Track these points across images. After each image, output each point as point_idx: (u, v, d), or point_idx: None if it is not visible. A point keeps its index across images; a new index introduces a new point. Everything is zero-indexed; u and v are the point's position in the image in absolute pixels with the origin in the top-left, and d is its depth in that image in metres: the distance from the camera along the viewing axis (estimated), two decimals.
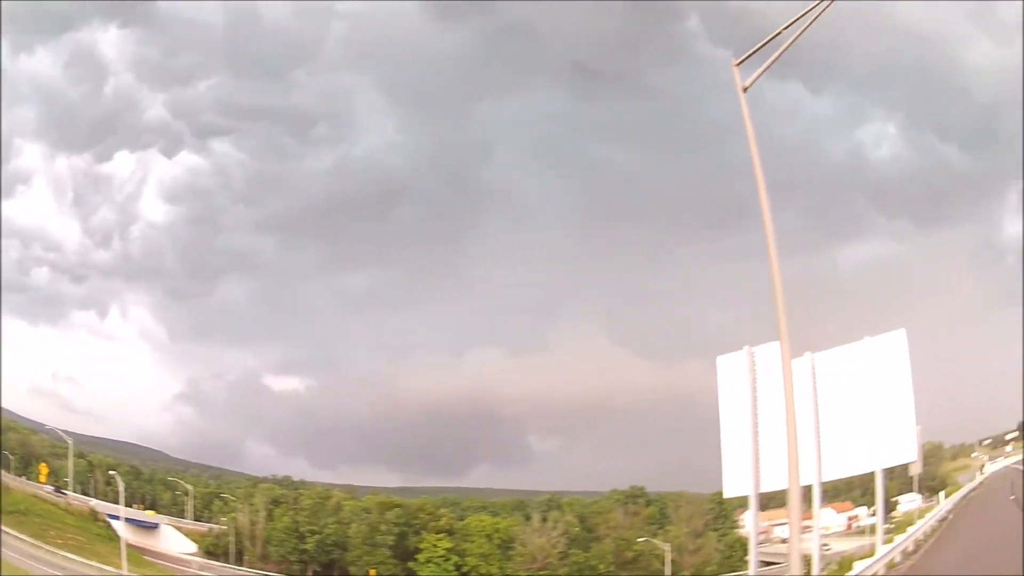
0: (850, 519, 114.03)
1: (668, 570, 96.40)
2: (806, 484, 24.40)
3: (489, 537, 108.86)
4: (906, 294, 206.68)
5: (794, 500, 18.13)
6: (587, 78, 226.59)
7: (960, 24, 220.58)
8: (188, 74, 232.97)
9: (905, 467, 44.58)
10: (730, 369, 25.28)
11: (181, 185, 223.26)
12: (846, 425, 23.96)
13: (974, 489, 77.34)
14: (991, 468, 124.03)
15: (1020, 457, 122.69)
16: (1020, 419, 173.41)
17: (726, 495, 27.95)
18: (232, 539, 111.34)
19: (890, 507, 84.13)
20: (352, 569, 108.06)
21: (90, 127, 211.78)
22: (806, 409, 23.40)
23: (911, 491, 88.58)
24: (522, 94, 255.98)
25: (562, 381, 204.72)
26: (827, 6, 17.73)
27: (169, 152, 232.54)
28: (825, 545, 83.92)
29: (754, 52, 17.44)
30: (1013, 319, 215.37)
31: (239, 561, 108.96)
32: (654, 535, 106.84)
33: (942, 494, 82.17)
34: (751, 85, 16.93)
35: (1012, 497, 45.32)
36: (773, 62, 17.29)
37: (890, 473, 48.78)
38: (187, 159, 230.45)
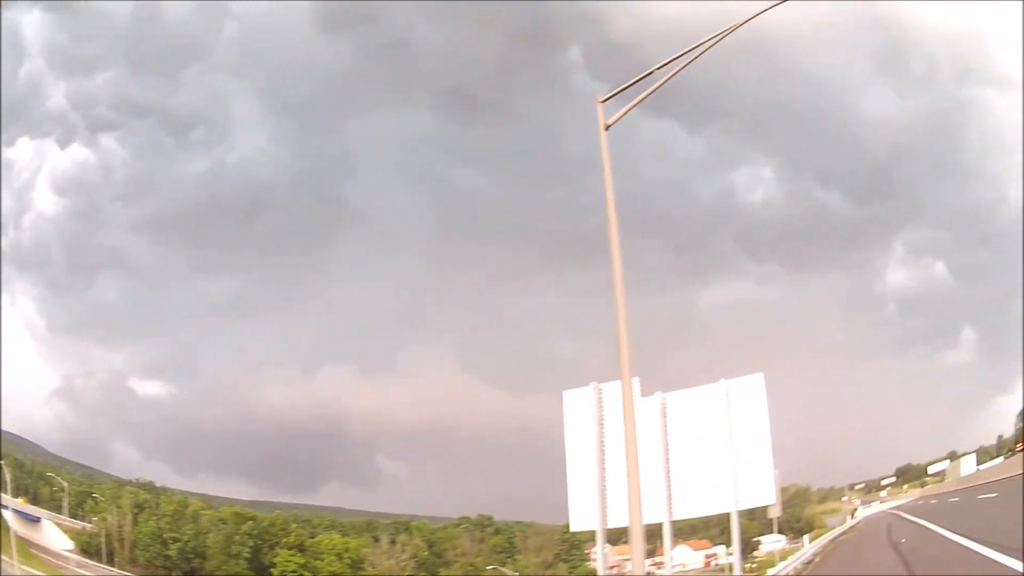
0: (708, 557, 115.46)
1: None
2: (656, 522, 24.44)
3: (339, 556, 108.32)
4: (774, 338, 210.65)
5: (636, 538, 17.87)
6: (460, 102, 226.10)
7: (865, 72, 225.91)
8: (90, 65, 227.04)
9: (766, 508, 45.14)
10: (576, 403, 25.05)
11: (70, 178, 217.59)
12: (700, 465, 24.00)
13: (844, 532, 79.04)
14: (864, 512, 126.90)
15: (896, 503, 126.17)
16: (897, 465, 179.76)
17: (572, 528, 27.71)
18: (103, 540, 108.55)
19: (751, 547, 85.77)
20: None
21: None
22: (655, 448, 23.39)
23: (774, 532, 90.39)
24: (394, 112, 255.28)
25: (411, 404, 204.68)
26: (706, 49, 17.69)
27: (63, 143, 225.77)
28: None
29: (621, 90, 17.27)
30: (893, 368, 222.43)
31: (110, 562, 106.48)
32: (503, 564, 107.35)
33: (807, 537, 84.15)
34: (613, 124, 16.75)
35: (903, 540, 46.24)
36: (636, 104, 17.06)
37: (751, 513, 49.68)
38: (78, 152, 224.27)
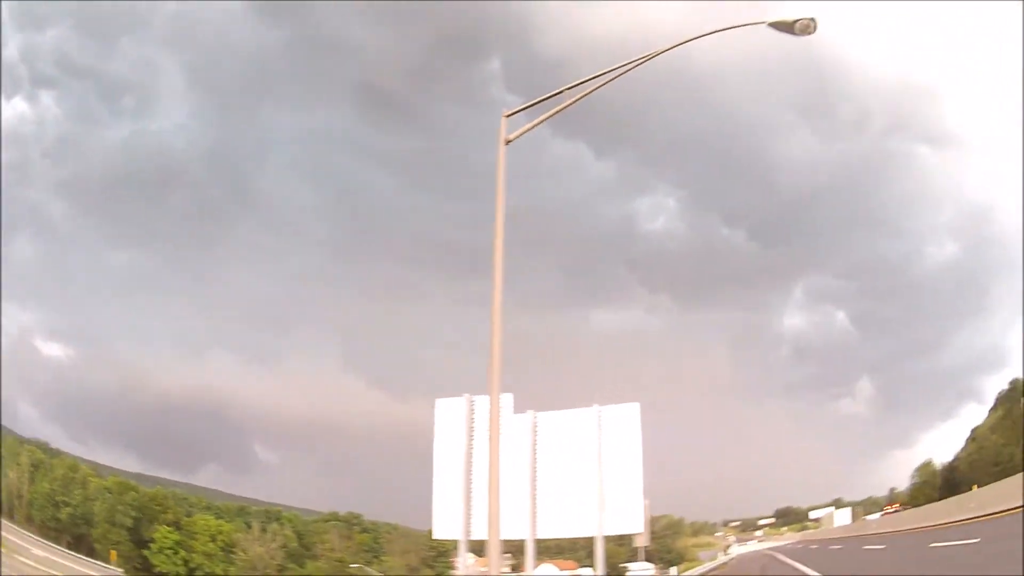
0: None
1: None
2: (520, 539, 24.46)
3: (213, 538, 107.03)
4: (660, 369, 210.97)
5: (493, 551, 17.79)
6: (376, 103, 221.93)
7: (788, 115, 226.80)
8: (43, 19, 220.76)
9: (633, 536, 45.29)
10: (448, 413, 25.05)
11: (10, 130, 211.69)
12: (569, 487, 24.06)
13: (715, 568, 79.89)
14: (738, 550, 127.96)
15: (773, 544, 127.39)
16: (777, 507, 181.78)
17: (435, 536, 27.75)
18: (3, 496, 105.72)
19: (618, 573, 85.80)
20: (97, 546, 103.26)
21: None
22: (525, 465, 23.45)
23: (639, 560, 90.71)
24: (311, 105, 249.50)
25: (291, 396, 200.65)
26: (617, 76, 17.73)
27: (10, 94, 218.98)
28: None
29: (527, 107, 17.29)
30: (782, 411, 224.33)
31: (10, 518, 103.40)
32: (369, 563, 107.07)
33: (675, 568, 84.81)
34: (514, 139, 16.73)
35: None
36: (540, 122, 17.08)
37: (620, 540, 49.85)
38: (19, 105, 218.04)
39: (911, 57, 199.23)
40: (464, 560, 26.88)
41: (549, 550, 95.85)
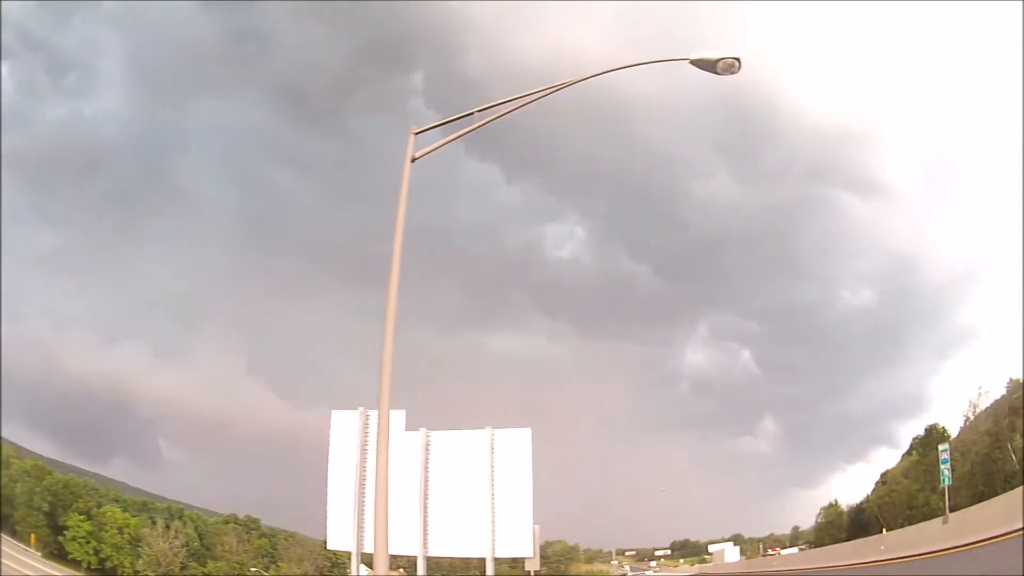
0: None
1: None
2: (412, 555, 24.27)
3: (121, 531, 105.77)
4: (558, 396, 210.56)
5: (380, 566, 17.69)
6: (297, 104, 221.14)
7: (707, 155, 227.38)
8: None
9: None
10: (343, 425, 24.78)
11: None
12: (460, 507, 23.89)
13: None
14: None
15: (669, 574, 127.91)
16: (674, 539, 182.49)
17: (329, 546, 27.54)
18: None
19: None
20: (18, 527, 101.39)
21: None
22: (416, 482, 23.26)
23: None
24: (238, 101, 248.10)
25: (197, 394, 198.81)
26: (530, 101, 17.67)
27: None
28: None
29: (436, 126, 17.17)
30: (682, 445, 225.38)
31: None
32: (266, 568, 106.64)
33: None
34: (420, 157, 16.60)
35: None
36: (446, 143, 16.95)
37: (514, 563, 49.85)
38: None
39: (845, 104, 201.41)
40: (356, 572, 26.53)
41: (442, 567, 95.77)
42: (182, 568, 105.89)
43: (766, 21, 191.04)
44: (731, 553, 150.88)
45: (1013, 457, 79.76)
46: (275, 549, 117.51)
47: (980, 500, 59.79)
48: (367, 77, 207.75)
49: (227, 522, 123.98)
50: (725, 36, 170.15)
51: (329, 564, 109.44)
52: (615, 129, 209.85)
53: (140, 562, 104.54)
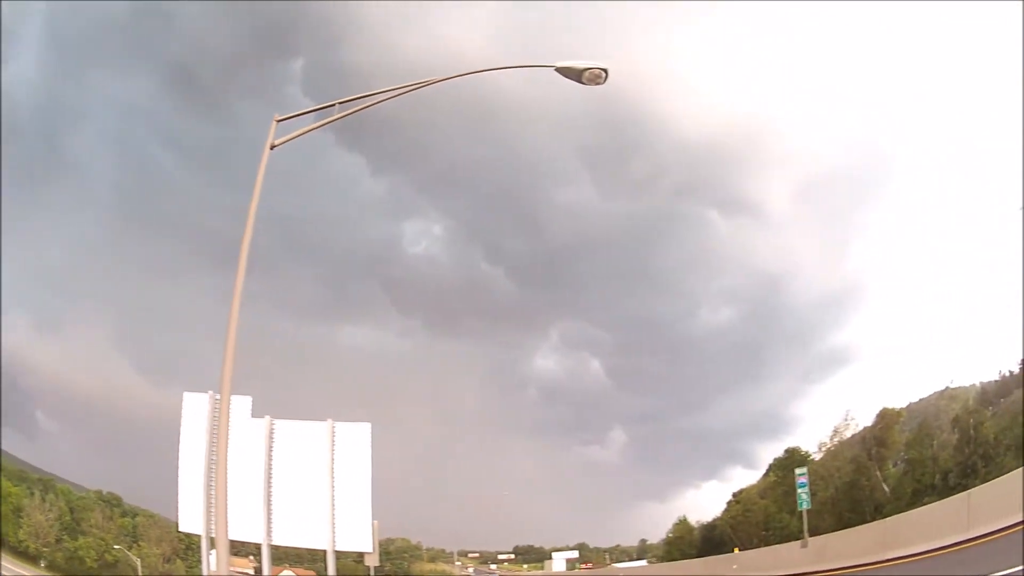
0: None
1: None
2: (257, 542, 23.99)
3: (3, 499, 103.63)
4: (405, 393, 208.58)
5: (221, 550, 17.34)
6: (187, 85, 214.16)
7: (573, 164, 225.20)
8: None
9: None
10: (194, 408, 24.48)
11: None
12: (303, 497, 23.67)
13: None
14: None
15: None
16: (518, 543, 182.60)
17: (181, 528, 27.13)
18: None
19: None
20: None
21: None
22: (259, 470, 23.01)
23: None
24: (133, 76, 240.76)
25: (73, 368, 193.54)
26: (394, 96, 17.58)
27: None
28: None
29: (301, 114, 16.99)
30: (528, 451, 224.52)
31: None
32: (129, 547, 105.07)
33: None
34: (279, 144, 16.39)
35: None
36: (306, 132, 16.76)
37: (360, 556, 49.47)
38: None
39: (719, 121, 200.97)
40: (207, 556, 26.16)
41: (290, 557, 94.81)
42: (56, 541, 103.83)
43: (645, 31, 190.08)
44: (559, 563, 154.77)
45: (885, 487, 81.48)
46: (136, 529, 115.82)
47: (846, 527, 60.91)
48: (252, 60, 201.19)
49: (93, 497, 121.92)
50: (606, 45, 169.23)
51: (183, 547, 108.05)
52: (483, 129, 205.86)
53: (22, 532, 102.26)
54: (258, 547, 24.68)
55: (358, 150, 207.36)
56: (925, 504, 47.44)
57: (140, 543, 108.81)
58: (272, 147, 16.30)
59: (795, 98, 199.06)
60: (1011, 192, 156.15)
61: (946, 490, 64.90)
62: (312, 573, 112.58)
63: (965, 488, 41.73)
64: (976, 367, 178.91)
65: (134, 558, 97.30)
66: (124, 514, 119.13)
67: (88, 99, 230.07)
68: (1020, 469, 36.73)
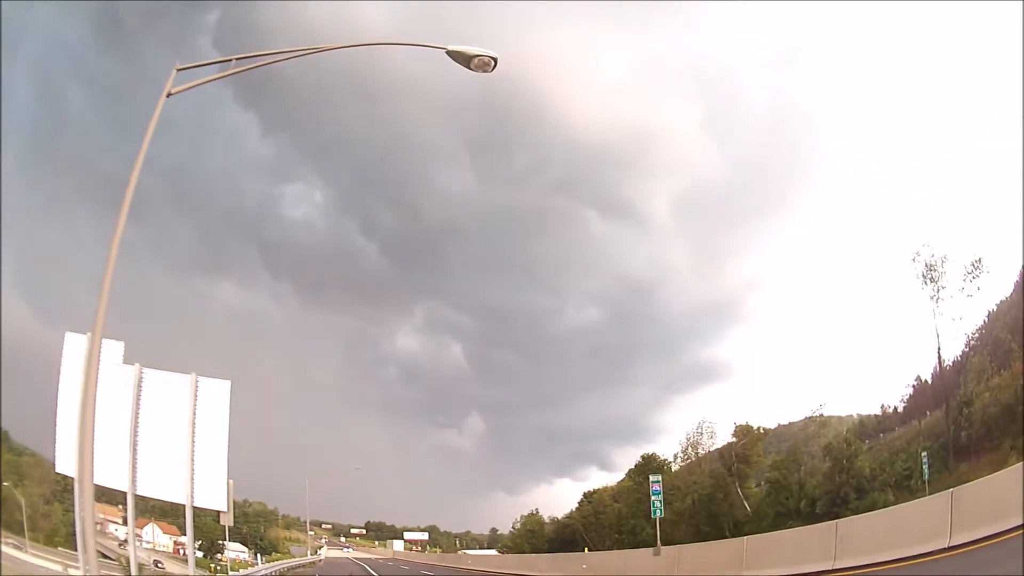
0: (177, 544, 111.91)
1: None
2: (122, 489, 23.55)
3: None
4: (273, 357, 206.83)
5: (86, 495, 17.04)
6: (111, 26, 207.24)
7: (457, 149, 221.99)
8: None
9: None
10: (74, 349, 23.93)
11: None
12: (165, 450, 23.25)
13: (304, 565, 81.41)
14: (328, 552, 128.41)
15: (365, 556, 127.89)
16: (370, 519, 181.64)
17: (57, 469, 26.57)
18: None
19: (217, 549, 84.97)
20: None
21: None
22: (127, 417, 22.58)
23: (233, 540, 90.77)
24: (69, 14, 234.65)
25: None
26: (286, 59, 17.42)
27: None
28: (159, 563, 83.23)
29: (201, 65, 16.71)
30: (386, 428, 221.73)
31: None
32: (16, 485, 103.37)
33: (260, 557, 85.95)
34: (175, 93, 16.10)
35: None
36: (200, 84, 16.43)
37: (219, 516, 48.93)
38: None
39: (611, 122, 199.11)
40: (78, 500, 25.63)
41: (155, 511, 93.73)
42: None
43: (546, 28, 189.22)
44: (398, 544, 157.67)
45: (747, 505, 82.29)
46: (20, 467, 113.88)
47: (704, 540, 61.17)
48: (174, 9, 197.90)
49: None
50: (507, 37, 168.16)
51: (60, 488, 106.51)
52: (375, 104, 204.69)
53: None
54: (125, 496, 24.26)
55: (254, 109, 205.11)
56: (789, 527, 48.07)
57: (25, 482, 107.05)
58: (168, 95, 16.01)
59: (689, 110, 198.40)
60: (899, 218, 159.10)
61: (812, 517, 65.50)
62: (176, 530, 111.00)
63: (834, 517, 42.16)
64: (855, 398, 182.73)
65: (19, 497, 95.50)
66: (11, 450, 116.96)
67: (20, 35, 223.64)
68: (891, 506, 37.26)
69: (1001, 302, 76.22)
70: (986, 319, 76.08)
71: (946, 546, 21.28)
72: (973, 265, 70.83)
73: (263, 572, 59.49)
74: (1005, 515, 19.75)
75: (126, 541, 51.37)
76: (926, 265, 72.80)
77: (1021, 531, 18.87)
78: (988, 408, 64.44)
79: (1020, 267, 77.15)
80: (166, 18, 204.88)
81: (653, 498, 48.51)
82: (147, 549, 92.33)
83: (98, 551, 29.55)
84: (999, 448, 58.66)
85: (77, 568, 27.11)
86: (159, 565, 74.93)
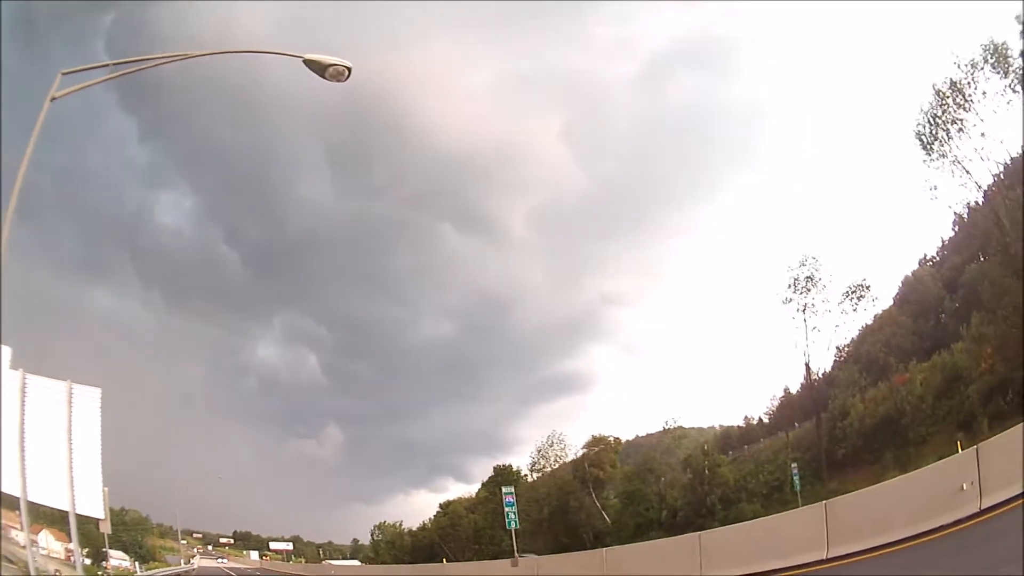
0: (68, 551, 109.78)
1: None
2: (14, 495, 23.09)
3: None
4: (147, 366, 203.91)
5: None
6: (24, 26, 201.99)
7: (317, 159, 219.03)
8: None
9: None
10: None
11: None
12: (44, 455, 22.81)
13: (179, 574, 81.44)
14: (201, 561, 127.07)
15: (236, 565, 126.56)
16: (237, 529, 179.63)
17: None
18: None
19: (101, 556, 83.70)
20: None
21: None
22: (14, 421, 22.14)
23: (115, 548, 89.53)
24: None
25: None
26: (161, 63, 17.26)
27: None
28: (58, 571, 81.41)
29: (85, 69, 16.47)
30: (247, 434, 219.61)
31: None
32: None
33: (139, 565, 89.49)
34: (59, 97, 15.83)
35: None
36: (82, 88, 16.19)
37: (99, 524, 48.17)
38: None
39: (470, 138, 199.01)
40: None
41: (47, 518, 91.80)
42: None
43: (415, 39, 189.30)
44: (254, 554, 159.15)
45: (606, 516, 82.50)
46: None
47: (564, 551, 61.54)
48: (79, 11, 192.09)
49: None
50: (376, 49, 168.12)
51: None
52: (244, 112, 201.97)
53: None
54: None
55: (136, 114, 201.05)
56: (651, 539, 48.26)
57: None
58: (53, 99, 15.76)
59: (550, 125, 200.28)
60: (771, 232, 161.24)
61: (674, 527, 66.70)
62: (65, 536, 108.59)
63: (698, 528, 42.58)
64: (716, 410, 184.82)
65: None
66: None
67: None
68: (762, 517, 37.32)
69: (876, 316, 78.48)
70: (856, 335, 77.50)
71: (824, 557, 20.84)
72: (859, 286, 71.84)
73: None
74: (886, 529, 19.64)
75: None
76: (795, 280, 73.19)
77: (903, 544, 18.90)
78: (864, 420, 65.95)
79: (899, 284, 79.34)
80: (74, 20, 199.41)
81: (507, 509, 48.07)
82: (43, 556, 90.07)
83: (5, 556, 28.91)
84: (880, 460, 59.49)
85: None
86: (58, 572, 73.50)
